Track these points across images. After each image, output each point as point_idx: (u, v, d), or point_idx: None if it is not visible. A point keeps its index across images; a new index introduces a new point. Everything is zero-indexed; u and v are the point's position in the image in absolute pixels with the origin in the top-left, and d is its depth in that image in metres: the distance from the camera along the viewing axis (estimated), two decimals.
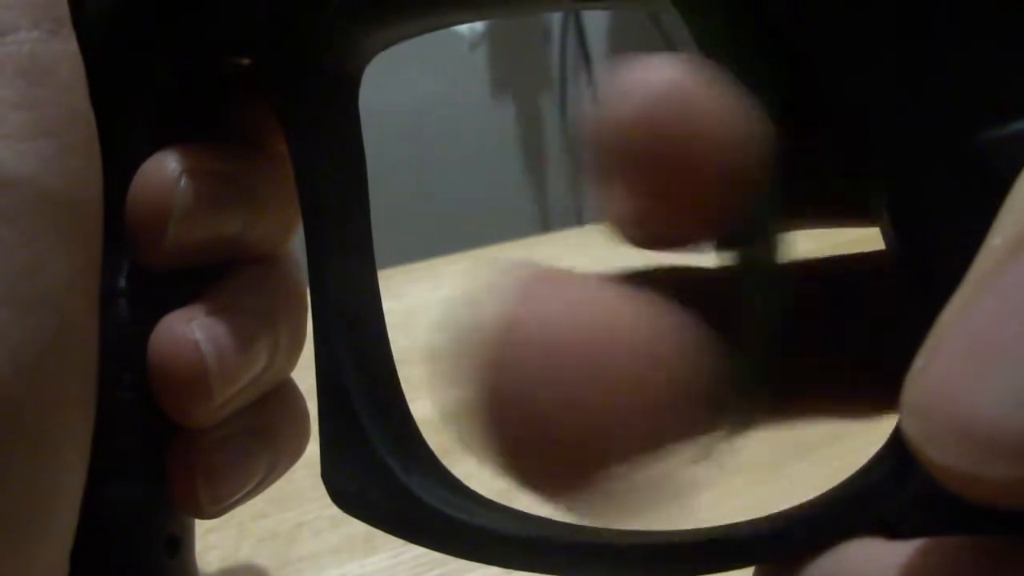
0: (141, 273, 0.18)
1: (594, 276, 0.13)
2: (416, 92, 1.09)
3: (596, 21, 1.20)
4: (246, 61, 0.19)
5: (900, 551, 0.11)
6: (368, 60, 0.18)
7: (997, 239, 0.09)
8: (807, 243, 0.16)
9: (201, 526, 0.21)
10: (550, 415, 0.10)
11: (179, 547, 0.19)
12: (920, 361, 0.09)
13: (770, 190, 0.13)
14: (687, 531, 0.14)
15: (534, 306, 0.11)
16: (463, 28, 1.10)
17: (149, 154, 0.18)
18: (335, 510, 0.16)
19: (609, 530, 0.15)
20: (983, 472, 0.08)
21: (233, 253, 0.19)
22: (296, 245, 0.20)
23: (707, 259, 0.14)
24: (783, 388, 0.16)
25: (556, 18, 1.18)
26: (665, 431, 0.11)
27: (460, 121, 1.17)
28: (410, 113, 1.08)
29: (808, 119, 0.13)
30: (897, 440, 0.13)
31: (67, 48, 0.16)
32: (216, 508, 0.19)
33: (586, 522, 0.16)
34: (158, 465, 0.19)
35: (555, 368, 0.10)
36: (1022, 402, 0.08)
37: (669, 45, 1.12)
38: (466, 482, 0.17)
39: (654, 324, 0.11)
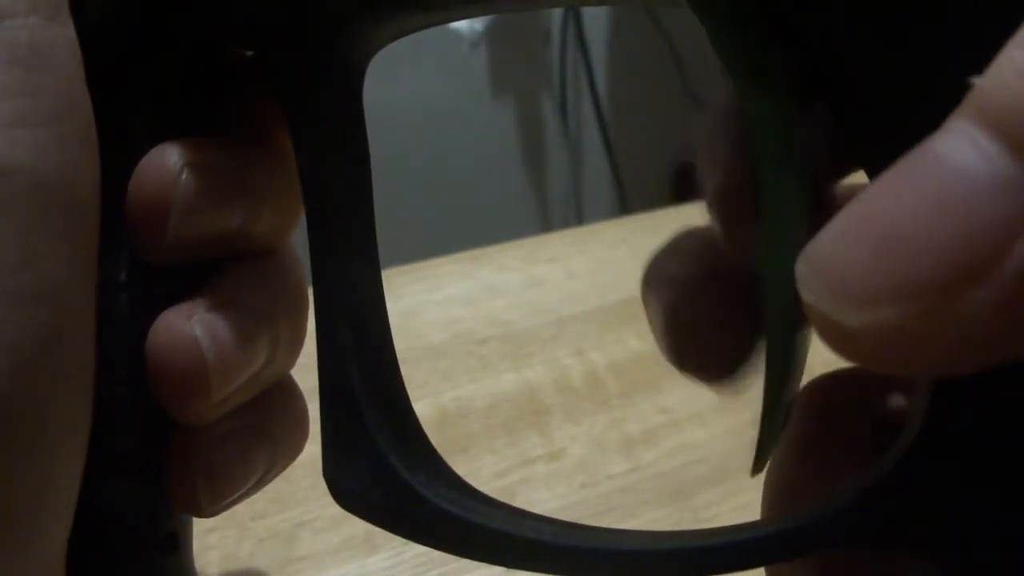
0: (140, 267, 0.18)
1: None
2: (416, 91, 1.09)
3: (596, 21, 1.20)
4: (249, 53, 0.18)
5: None
6: (373, 53, 0.17)
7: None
8: None
9: (201, 526, 0.21)
10: None
11: (177, 544, 0.19)
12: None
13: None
14: (686, 532, 0.14)
15: None
16: (463, 27, 1.10)
17: (150, 146, 0.18)
18: (335, 509, 0.16)
19: (611, 530, 0.15)
20: (844, 319, 0.10)
21: (234, 247, 0.19)
22: (297, 241, 0.20)
23: None
24: None
25: (556, 18, 1.17)
26: None
27: (460, 121, 1.17)
28: (409, 112, 1.08)
29: (820, 112, 0.13)
30: (904, 442, 0.13)
31: (65, 34, 0.16)
32: (215, 506, 0.19)
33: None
34: (156, 462, 0.18)
35: None
36: (876, 267, 0.10)
37: (669, 45, 1.12)
38: (468, 481, 0.17)
39: None
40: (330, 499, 0.16)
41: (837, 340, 0.11)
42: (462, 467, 0.17)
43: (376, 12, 0.16)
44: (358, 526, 0.16)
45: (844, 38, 0.12)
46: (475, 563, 0.15)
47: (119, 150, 0.17)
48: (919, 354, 0.10)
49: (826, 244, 0.11)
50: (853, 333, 0.10)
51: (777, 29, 0.13)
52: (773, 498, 0.17)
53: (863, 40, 0.12)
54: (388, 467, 0.16)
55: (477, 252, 0.49)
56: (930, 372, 0.12)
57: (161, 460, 0.18)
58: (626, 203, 1.22)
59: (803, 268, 0.11)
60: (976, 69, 0.10)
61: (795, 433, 0.17)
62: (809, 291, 0.11)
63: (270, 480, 0.20)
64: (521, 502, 0.16)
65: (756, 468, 0.16)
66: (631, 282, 0.18)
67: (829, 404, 0.17)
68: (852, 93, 0.12)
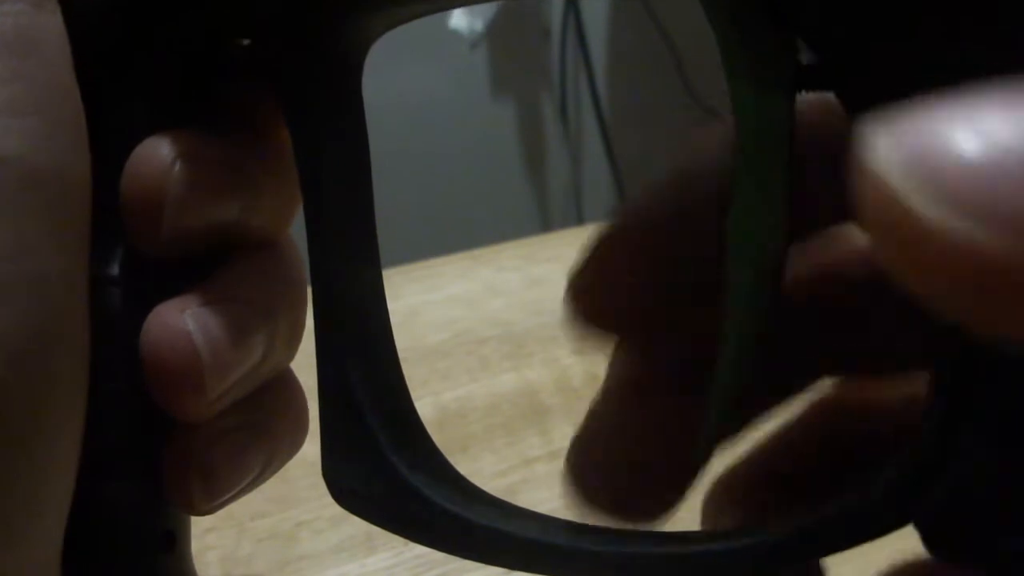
0: (134, 261, 0.18)
1: None
2: (415, 91, 1.09)
3: (596, 21, 1.20)
4: (245, 42, 0.18)
5: None
6: (371, 42, 0.17)
7: None
8: None
9: (200, 526, 0.21)
10: None
11: (175, 542, 0.19)
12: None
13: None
14: (687, 534, 0.14)
15: None
16: (463, 27, 1.10)
17: (143, 138, 0.17)
18: (335, 509, 0.16)
19: (613, 531, 0.15)
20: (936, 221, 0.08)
21: (230, 240, 0.19)
22: (296, 234, 0.20)
23: None
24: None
25: (556, 18, 1.17)
26: None
27: (460, 121, 1.17)
28: (409, 112, 1.08)
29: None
30: (915, 445, 0.13)
31: (53, 22, 0.15)
32: (211, 505, 0.19)
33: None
34: (152, 459, 0.18)
35: None
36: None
37: (669, 45, 1.12)
38: (470, 480, 0.17)
39: None
40: (330, 499, 0.16)
41: (912, 239, 0.09)
42: (462, 467, 0.17)
43: (373, 1, 0.16)
44: (358, 526, 0.16)
45: (844, 37, 0.12)
46: (475, 563, 0.15)
47: (112, 141, 0.17)
48: (996, 298, 0.09)
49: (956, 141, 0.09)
50: (937, 237, 0.08)
51: (778, 28, 0.13)
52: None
53: (863, 39, 0.12)
54: (388, 466, 0.16)
55: (477, 252, 0.49)
56: (992, 329, 0.10)
57: (157, 457, 0.18)
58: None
59: (899, 151, 0.09)
60: (977, 68, 0.10)
61: (798, 445, 0.17)
62: (899, 170, 0.09)
63: (268, 477, 0.20)
64: (521, 502, 0.16)
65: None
66: None
67: (831, 422, 0.17)
68: (852, 92, 0.12)
